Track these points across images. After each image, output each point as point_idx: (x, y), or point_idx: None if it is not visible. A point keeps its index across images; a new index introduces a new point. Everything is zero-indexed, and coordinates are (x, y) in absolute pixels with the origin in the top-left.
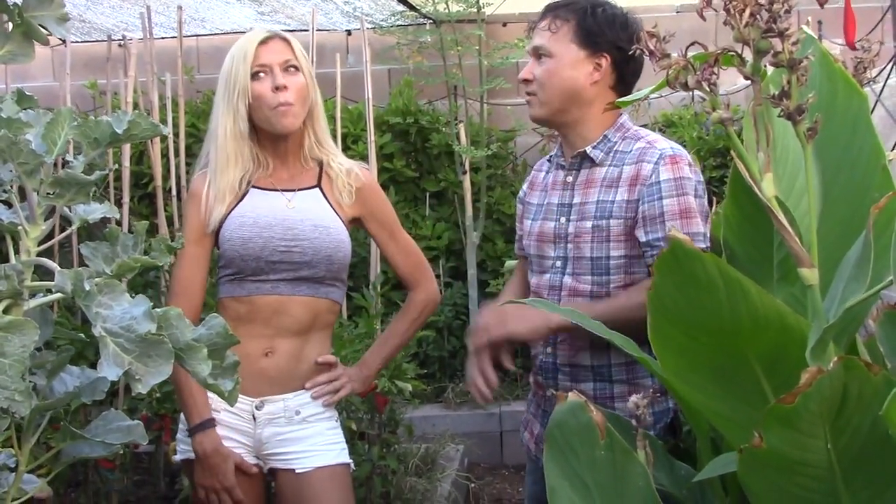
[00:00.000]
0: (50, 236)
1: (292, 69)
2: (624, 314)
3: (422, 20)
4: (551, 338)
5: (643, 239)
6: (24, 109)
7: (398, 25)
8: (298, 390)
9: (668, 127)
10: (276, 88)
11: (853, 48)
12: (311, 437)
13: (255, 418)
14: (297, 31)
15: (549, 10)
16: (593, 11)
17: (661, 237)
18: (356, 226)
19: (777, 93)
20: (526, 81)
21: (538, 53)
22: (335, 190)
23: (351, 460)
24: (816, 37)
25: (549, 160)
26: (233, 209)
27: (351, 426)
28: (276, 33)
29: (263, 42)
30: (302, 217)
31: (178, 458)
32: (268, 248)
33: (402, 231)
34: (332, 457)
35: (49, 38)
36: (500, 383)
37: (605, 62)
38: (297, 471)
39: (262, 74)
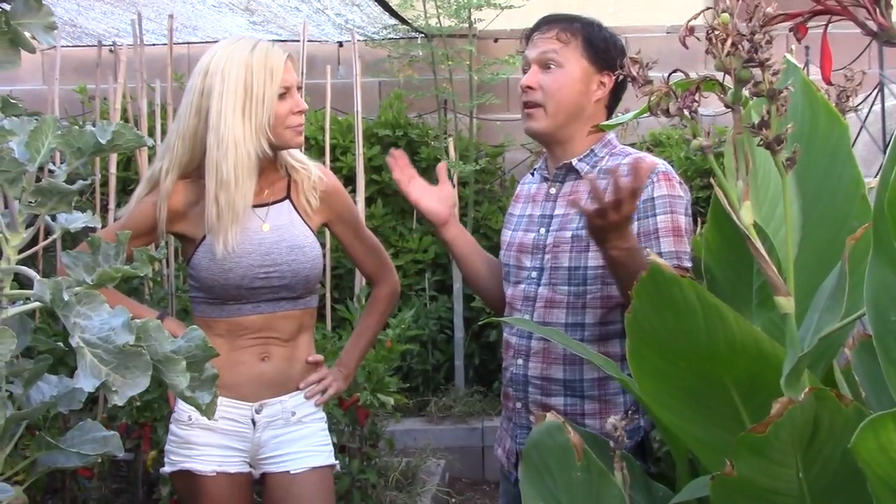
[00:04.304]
0: (33, 243)
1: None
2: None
3: (413, 34)
4: (524, 350)
5: None
6: (9, 117)
7: (390, 39)
8: (293, 391)
9: (655, 146)
10: (300, 112)
11: (829, 84)
12: (305, 438)
13: (254, 423)
14: (289, 41)
15: (551, 22)
16: (599, 29)
17: (655, 252)
18: (323, 228)
19: (757, 122)
20: (529, 89)
21: (545, 62)
22: (301, 197)
23: (337, 461)
24: (803, 63)
25: (532, 174)
26: (205, 237)
27: (332, 439)
28: (287, 52)
29: (286, 61)
30: (277, 239)
31: (166, 470)
32: (248, 277)
33: (366, 230)
34: (323, 458)
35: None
36: (483, 398)
37: (608, 81)
38: (291, 472)
39: (285, 94)
